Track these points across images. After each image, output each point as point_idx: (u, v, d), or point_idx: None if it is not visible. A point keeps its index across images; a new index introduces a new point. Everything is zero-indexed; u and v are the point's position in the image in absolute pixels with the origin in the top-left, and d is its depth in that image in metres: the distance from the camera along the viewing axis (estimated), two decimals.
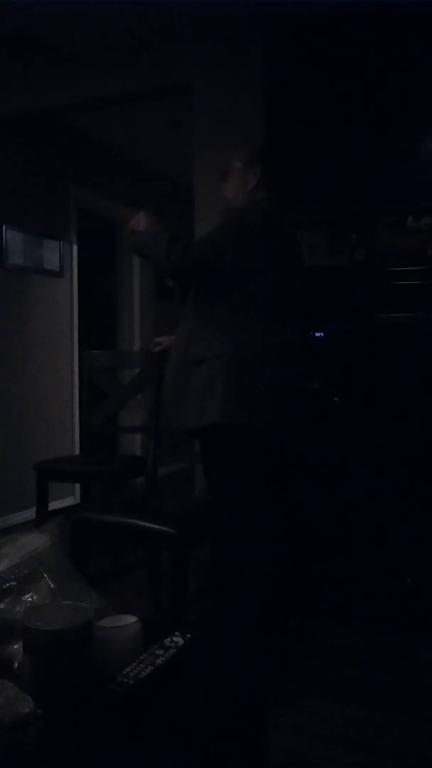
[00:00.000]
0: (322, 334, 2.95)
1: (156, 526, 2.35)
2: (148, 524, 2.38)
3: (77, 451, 5.13)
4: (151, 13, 3.39)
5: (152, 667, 1.22)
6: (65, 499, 4.91)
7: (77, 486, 5.04)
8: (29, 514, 4.17)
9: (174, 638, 1.33)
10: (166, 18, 3.43)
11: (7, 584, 1.34)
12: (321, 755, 2.02)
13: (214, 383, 2.20)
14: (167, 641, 1.32)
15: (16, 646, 1.24)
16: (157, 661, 1.24)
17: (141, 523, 2.40)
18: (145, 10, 3.35)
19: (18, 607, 1.31)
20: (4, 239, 4.51)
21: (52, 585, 1.36)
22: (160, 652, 1.28)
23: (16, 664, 1.21)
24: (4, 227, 4.51)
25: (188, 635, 1.34)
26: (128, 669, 1.21)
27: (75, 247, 5.21)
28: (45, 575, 1.37)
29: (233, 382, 2.19)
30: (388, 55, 2.94)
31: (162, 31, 3.55)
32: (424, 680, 2.46)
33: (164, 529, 2.33)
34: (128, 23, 3.51)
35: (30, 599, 1.33)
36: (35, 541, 1.42)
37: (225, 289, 2.25)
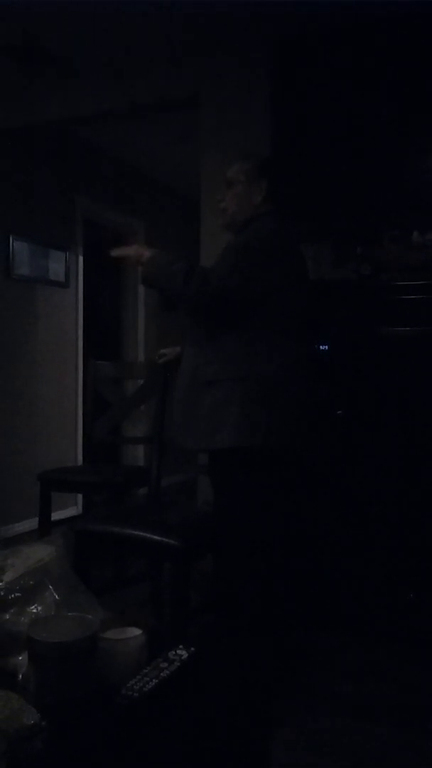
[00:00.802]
0: (326, 347, 2.96)
1: (158, 538, 2.35)
2: (150, 536, 2.37)
3: (80, 462, 5.13)
4: (158, 25, 3.41)
5: (156, 680, 1.22)
6: (68, 509, 4.91)
7: (80, 496, 5.04)
8: (32, 524, 4.17)
9: (178, 651, 1.33)
10: (173, 30, 3.45)
11: (12, 595, 1.34)
12: None
13: (228, 406, 2.19)
14: (171, 654, 1.32)
15: (20, 658, 1.24)
16: (162, 674, 1.24)
17: (143, 534, 2.39)
18: (152, 21, 3.38)
19: (23, 619, 1.31)
20: (10, 250, 4.53)
21: (57, 596, 1.36)
22: (165, 665, 1.28)
23: (21, 676, 1.21)
24: (10, 238, 4.54)
25: (192, 648, 1.34)
26: (132, 682, 1.21)
27: (81, 258, 5.23)
28: (50, 587, 1.37)
29: (248, 405, 2.18)
30: (396, 69, 2.96)
31: (169, 43, 3.58)
32: (426, 694, 2.45)
33: (167, 540, 2.32)
34: (135, 35, 3.54)
35: (35, 610, 1.33)
36: (40, 553, 1.42)
37: (241, 312, 2.24)
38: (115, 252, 2.33)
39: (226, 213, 2.43)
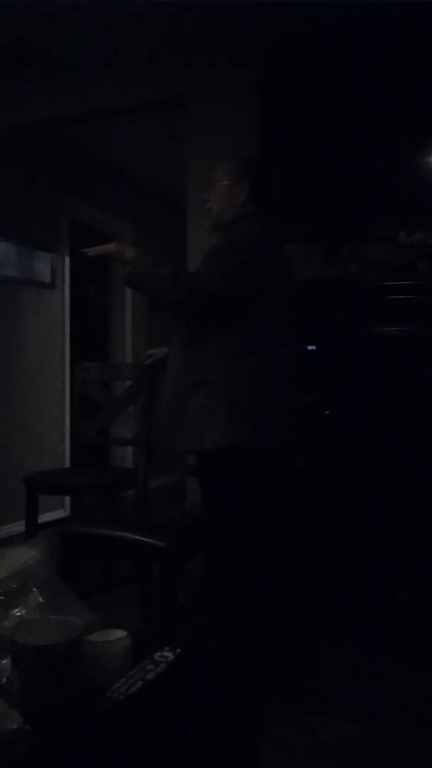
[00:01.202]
0: (314, 347, 2.96)
1: (146, 539, 2.34)
2: (138, 537, 2.36)
3: (68, 464, 5.10)
4: (147, 26, 3.41)
5: (142, 682, 1.21)
6: (55, 512, 4.88)
7: (67, 499, 5.01)
8: (19, 527, 4.14)
9: (164, 653, 1.32)
10: (161, 31, 3.45)
11: None
12: None
13: (215, 407, 2.19)
14: (157, 656, 1.31)
15: (4, 662, 1.22)
16: (147, 676, 1.23)
17: (131, 536, 2.38)
18: (140, 23, 3.37)
19: (6, 622, 1.29)
20: None
21: (41, 599, 1.35)
22: (150, 666, 1.27)
23: (5, 680, 1.20)
24: None
25: (178, 650, 1.33)
26: (118, 684, 1.20)
27: (67, 259, 5.20)
28: (34, 589, 1.36)
29: (234, 405, 2.18)
30: (383, 70, 2.97)
31: (157, 43, 3.57)
32: (416, 695, 2.45)
33: (154, 542, 2.31)
34: (123, 36, 3.53)
35: (19, 614, 1.32)
36: (24, 555, 1.41)
37: (227, 314, 2.23)
38: (92, 251, 2.31)
39: (211, 213, 2.42)
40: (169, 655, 1.31)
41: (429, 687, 2.51)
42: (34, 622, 1.28)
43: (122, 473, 3.42)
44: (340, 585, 2.87)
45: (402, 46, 2.93)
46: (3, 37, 3.56)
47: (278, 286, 2.30)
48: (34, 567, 1.41)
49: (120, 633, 1.31)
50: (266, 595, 2.40)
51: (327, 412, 2.90)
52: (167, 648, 1.34)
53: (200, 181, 3.36)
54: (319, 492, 2.92)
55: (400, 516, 2.80)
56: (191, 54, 3.56)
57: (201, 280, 2.15)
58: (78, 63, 3.80)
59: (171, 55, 3.61)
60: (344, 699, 2.42)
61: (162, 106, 3.85)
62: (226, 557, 2.27)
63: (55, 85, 3.92)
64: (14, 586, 1.35)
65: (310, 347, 2.95)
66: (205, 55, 3.53)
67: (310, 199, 3.07)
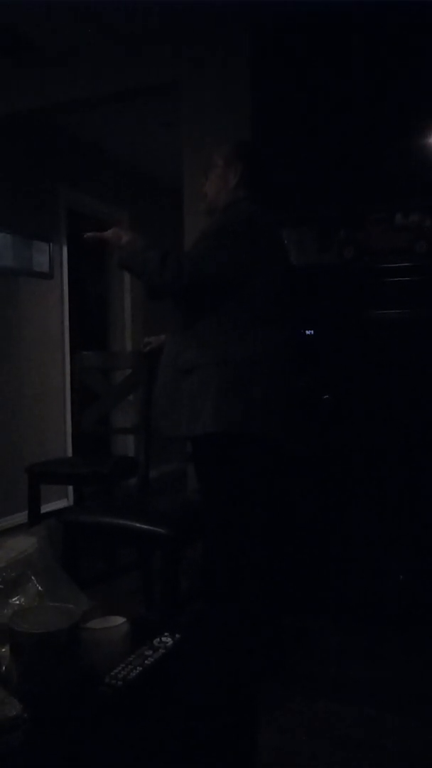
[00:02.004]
0: (312, 332, 2.95)
1: (148, 527, 2.34)
2: (139, 525, 2.37)
3: (70, 453, 5.11)
4: (138, 12, 3.38)
5: (141, 668, 1.21)
6: (59, 501, 4.90)
7: (70, 488, 5.03)
8: (22, 517, 4.16)
9: (163, 638, 1.33)
10: (152, 16, 3.42)
11: None
12: (310, 753, 2.02)
13: (208, 391, 2.18)
14: (156, 641, 1.32)
15: (3, 650, 1.23)
16: (146, 661, 1.24)
17: (133, 523, 2.39)
18: (132, 8, 3.34)
19: (5, 610, 1.30)
20: None
21: (39, 588, 1.36)
22: (149, 652, 1.28)
23: (3, 668, 1.20)
24: None
25: (177, 635, 1.34)
26: (116, 670, 1.20)
27: (65, 249, 5.19)
28: (33, 578, 1.36)
29: (227, 389, 2.17)
30: (376, 53, 2.94)
31: (149, 29, 3.54)
32: (414, 677, 2.46)
33: (156, 529, 2.32)
34: (115, 22, 3.50)
35: (17, 602, 1.33)
36: (22, 544, 1.41)
37: (218, 297, 2.22)
38: (89, 235, 2.30)
39: (207, 197, 2.42)
40: (168, 641, 1.32)
41: (426, 669, 2.52)
42: (33, 610, 1.28)
43: (123, 462, 3.42)
44: (337, 569, 2.87)
45: (395, 27, 2.90)
46: None
47: (271, 268, 2.29)
48: (32, 555, 1.41)
49: (119, 619, 1.31)
50: (263, 580, 2.40)
51: (326, 396, 2.90)
52: (166, 634, 1.35)
53: (195, 167, 3.35)
54: (316, 476, 2.92)
55: (398, 500, 2.80)
56: (184, 39, 3.54)
57: (188, 262, 2.15)
58: (70, 50, 3.77)
59: (164, 41, 3.58)
60: (342, 681, 2.43)
61: (156, 92, 3.83)
62: (223, 542, 2.28)
63: (49, 72, 3.90)
64: (13, 574, 1.36)
65: (308, 332, 2.94)
66: (199, 40, 3.50)
67: (306, 183, 3.05)
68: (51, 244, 5.02)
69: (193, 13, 3.36)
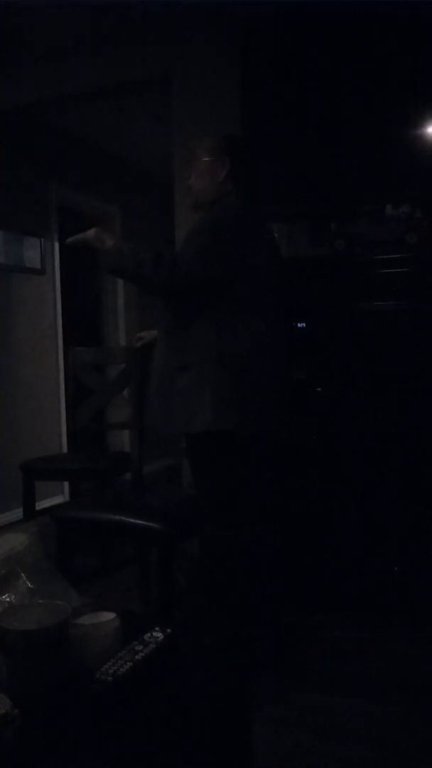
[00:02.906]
0: (304, 324, 2.95)
1: (142, 522, 2.34)
2: (134, 520, 2.36)
3: (65, 449, 5.11)
4: (129, 6, 3.36)
5: (131, 663, 1.21)
6: (54, 497, 4.89)
7: (66, 484, 5.02)
8: (18, 514, 4.15)
9: (154, 633, 1.33)
10: (143, 11, 3.40)
11: None
12: (308, 747, 2.02)
13: (202, 389, 2.17)
14: (147, 636, 1.32)
15: None
16: (137, 656, 1.24)
17: (127, 519, 2.38)
18: (123, 3, 3.33)
19: None
20: None
21: (29, 585, 1.35)
22: (140, 647, 1.28)
23: None
24: None
25: (168, 630, 1.34)
26: (107, 666, 1.20)
27: (56, 244, 5.17)
28: (22, 575, 1.36)
29: (221, 387, 2.16)
30: (364, 46, 2.93)
31: (140, 23, 3.52)
32: (411, 670, 2.47)
33: (151, 525, 2.32)
34: (105, 16, 3.48)
35: (7, 599, 1.32)
36: (12, 541, 1.41)
37: (211, 294, 2.21)
38: (70, 241, 2.29)
39: (192, 191, 2.41)
40: (159, 636, 1.32)
41: (424, 661, 2.52)
42: (22, 607, 1.28)
43: (118, 457, 3.43)
44: (337, 561, 2.88)
45: (384, 22, 2.89)
46: None
47: (262, 263, 2.28)
48: (22, 552, 1.41)
49: (109, 615, 1.31)
50: (259, 575, 2.41)
51: (318, 389, 2.89)
52: (157, 628, 1.35)
53: (185, 162, 3.34)
54: (310, 471, 2.92)
55: (394, 493, 2.80)
56: (175, 34, 3.52)
57: (182, 261, 2.13)
58: (61, 45, 3.75)
59: (155, 36, 3.56)
60: (338, 675, 2.43)
61: (147, 85, 3.81)
62: (219, 538, 2.27)
63: (39, 67, 3.87)
64: (2, 571, 1.36)
65: (299, 324, 2.94)
66: (189, 34, 3.48)
67: (296, 176, 3.05)
68: (42, 239, 5.01)
69: (185, 7, 3.34)
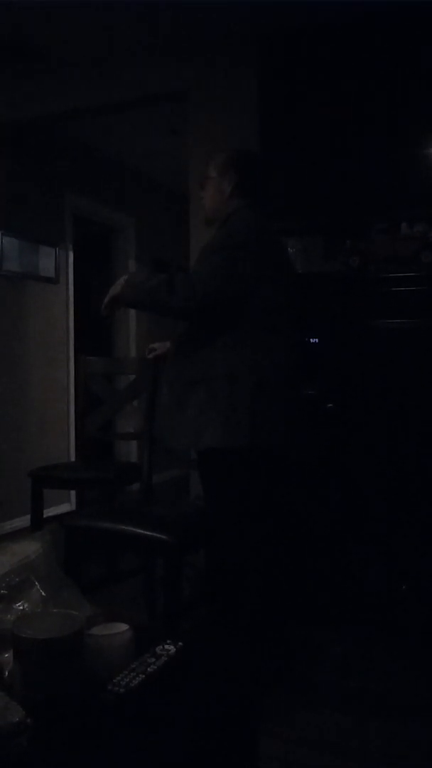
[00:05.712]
0: (317, 340, 2.95)
1: (150, 533, 2.33)
2: (141, 531, 2.36)
3: (73, 458, 5.11)
4: (148, 21, 3.40)
5: (143, 676, 1.21)
6: (61, 506, 4.90)
7: (73, 493, 5.02)
8: (24, 521, 4.16)
9: (166, 646, 1.33)
10: (162, 26, 3.44)
11: None
12: (315, 764, 2.01)
13: (214, 405, 2.18)
14: (159, 649, 1.32)
15: (6, 655, 1.23)
16: (149, 669, 1.24)
17: (135, 529, 2.38)
18: (142, 18, 3.36)
19: (9, 616, 1.30)
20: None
21: (43, 593, 1.36)
22: (152, 660, 1.28)
23: (7, 673, 1.21)
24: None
25: (180, 643, 1.34)
26: (119, 677, 1.20)
27: (71, 254, 5.21)
28: (36, 583, 1.36)
29: (233, 404, 2.17)
30: (382, 64, 2.96)
31: (158, 38, 3.56)
32: (419, 689, 2.45)
33: (158, 535, 2.31)
34: (125, 31, 3.52)
35: (21, 608, 1.33)
36: (26, 549, 1.41)
37: (227, 311, 2.21)
38: (106, 305, 2.34)
39: (206, 209, 2.43)
40: (171, 648, 1.32)
41: (426, 680, 2.51)
42: (36, 615, 1.29)
43: (126, 467, 3.42)
44: (344, 578, 2.87)
45: (401, 38, 2.92)
46: (2, 31, 3.55)
47: (276, 279, 2.28)
48: (36, 561, 1.41)
49: (122, 626, 1.31)
50: (266, 591, 2.40)
51: (330, 405, 2.90)
52: (169, 641, 1.35)
53: (202, 175, 3.36)
54: (321, 486, 2.92)
55: (403, 509, 2.79)
56: (191, 47, 3.55)
57: (197, 282, 2.14)
58: (79, 58, 3.79)
59: (171, 49, 3.60)
60: (346, 692, 2.42)
61: (163, 99, 3.84)
62: (227, 553, 2.27)
63: (57, 80, 3.92)
64: (17, 580, 1.36)
65: (312, 340, 2.94)
66: (205, 47, 3.52)
67: (312, 192, 3.06)
68: (57, 249, 5.04)
69: (201, 20, 3.38)
